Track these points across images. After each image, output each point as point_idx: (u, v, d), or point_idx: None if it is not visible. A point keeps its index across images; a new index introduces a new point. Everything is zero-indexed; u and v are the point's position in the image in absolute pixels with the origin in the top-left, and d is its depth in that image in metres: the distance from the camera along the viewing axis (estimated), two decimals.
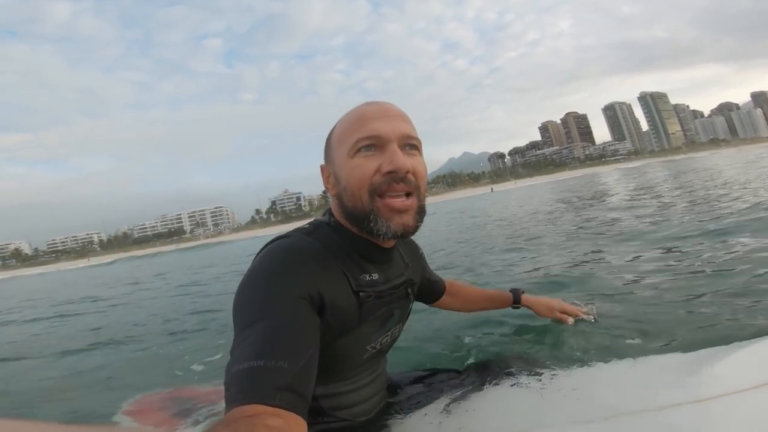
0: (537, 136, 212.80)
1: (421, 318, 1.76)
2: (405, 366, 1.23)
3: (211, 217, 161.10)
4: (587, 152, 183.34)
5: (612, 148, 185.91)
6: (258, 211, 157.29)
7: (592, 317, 1.30)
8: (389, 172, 0.68)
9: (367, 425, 0.84)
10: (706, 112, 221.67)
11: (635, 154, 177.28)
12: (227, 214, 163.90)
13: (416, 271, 0.94)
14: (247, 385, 0.51)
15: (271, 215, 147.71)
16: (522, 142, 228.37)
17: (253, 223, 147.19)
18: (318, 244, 0.72)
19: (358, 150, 0.70)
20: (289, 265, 0.65)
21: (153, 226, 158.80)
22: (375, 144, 0.70)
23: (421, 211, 0.73)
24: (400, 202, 0.69)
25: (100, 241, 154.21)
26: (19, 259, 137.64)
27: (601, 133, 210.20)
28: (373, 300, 0.75)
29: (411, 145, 0.72)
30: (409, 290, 0.87)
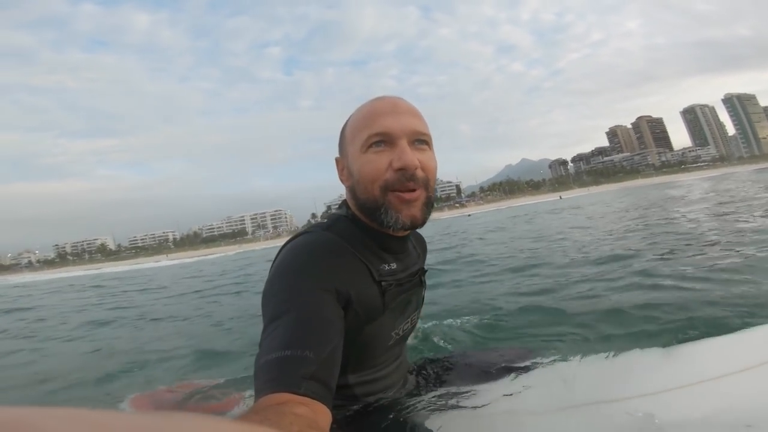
0: (603, 142, 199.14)
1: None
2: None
3: (271, 219, 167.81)
4: (663, 159, 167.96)
5: (693, 154, 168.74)
6: (314, 215, 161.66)
7: None
8: (399, 169, 0.71)
9: (394, 404, 0.87)
10: None
11: (720, 160, 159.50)
12: (286, 217, 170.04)
13: (424, 259, 0.98)
14: (274, 375, 0.53)
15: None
16: (586, 148, 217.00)
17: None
18: (337, 237, 0.74)
19: (370, 146, 0.73)
20: (313, 260, 0.68)
21: (219, 227, 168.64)
22: (386, 139, 0.72)
23: (429, 204, 0.76)
24: (408, 194, 0.72)
25: (174, 239, 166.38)
26: (104, 253, 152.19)
27: (680, 138, 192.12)
28: (394, 288, 0.78)
29: (421, 140, 0.74)
30: (422, 278, 0.91)
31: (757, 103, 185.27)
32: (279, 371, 0.53)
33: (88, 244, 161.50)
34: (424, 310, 0.97)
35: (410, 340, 1.21)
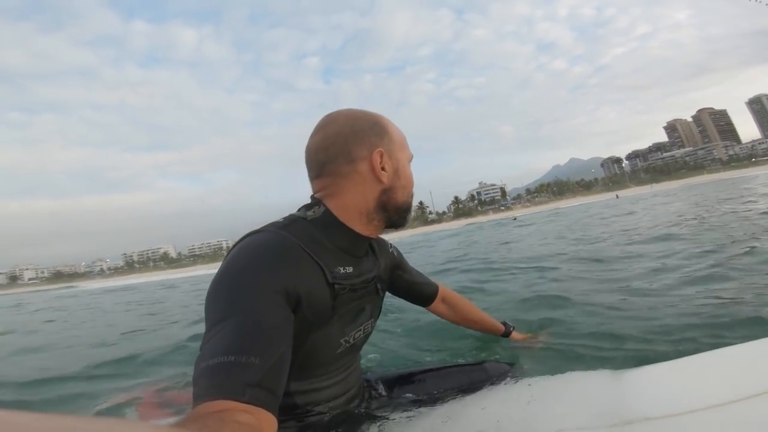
0: (661, 137, 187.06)
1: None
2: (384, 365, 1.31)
3: None
4: (731, 152, 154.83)
5: (764, 146, 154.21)
6: None
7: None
8: None
9: (340, 417, 0.84)
10: None
11: None
12: None
13: (386, 267, 0.96)
14: (216, 381, 0.50)
15: None
16: (642, 145, 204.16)
17: None
18: (292, 237, 0.71)
19: (410, 162, 0.85)
20: (263, 260, 0.65)
21: None
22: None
23: None
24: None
25: (227, 247, 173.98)
26: (166, 261, 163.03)
27: (748, 130, 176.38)
28: (347, 293, 0.77)
29: None
30: (379, 286, 0.89)
31: None
32: (221, 377, 0.50)
33: (152, 252, 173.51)
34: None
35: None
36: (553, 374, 0.98)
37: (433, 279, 1.19)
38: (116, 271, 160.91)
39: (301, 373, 0.76)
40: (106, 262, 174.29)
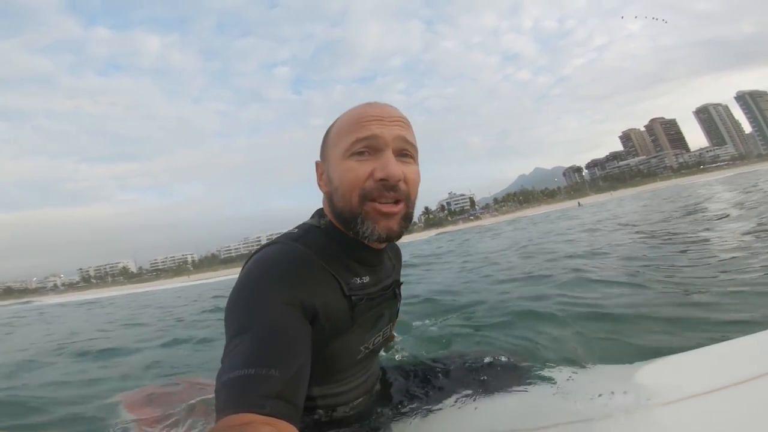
0: (618, 146, 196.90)
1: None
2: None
3: None
4: (681, 160, 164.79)
5: (711, 154, 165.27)
6: None
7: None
8: (381, 180, 0.68)
9: (360, 415, 0.85)
10: None
11: (740, 159, 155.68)
12: None
13: (399, 271, 0.96)
14: (236, 394, 0.51)
15: None
16: (600, 154, 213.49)
17: None
18: (307, 249, 0.71)
19: (354, 153, 0.70)
20: (280, 273, 0.66)
21: (237, 248, 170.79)
22: (371, 146, 0.70)
23: (407, 218, 0.74)
24: (388, 207, 0.70)
25: (193, 261, 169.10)
26: (126, 276, 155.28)
27: (696, 138, 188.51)
28: (365, 302, 0.76)
29: (406, 151, 0.73)
30: (397, 291, 0.88)
31: None
32: (242, 390, 0.51)
33: (110, 267, 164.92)
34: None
35: (382, 353, 1.20)
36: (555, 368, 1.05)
37: None
38: (71, 286, 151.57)
39: (322, 379, 0.76)
40: (60, 277, 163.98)
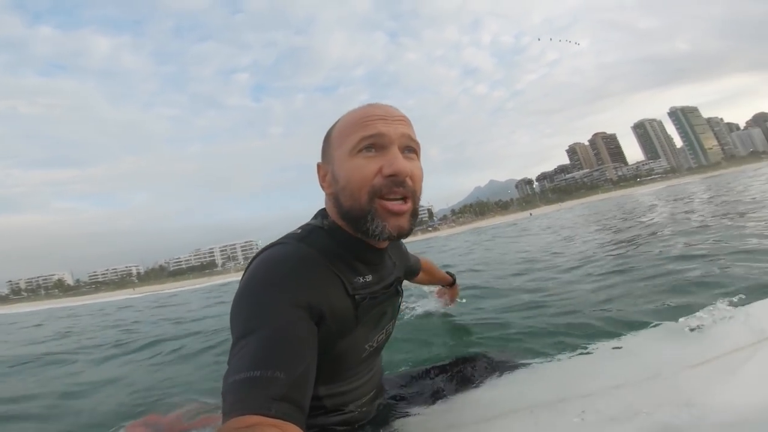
0: (565, 160, 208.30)
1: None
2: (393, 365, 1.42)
3: (242, 251, 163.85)
4: (620, 173, 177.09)
5: (646, 167, 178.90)
6: None
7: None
8: (390, 176, 0.69)
9: (366, 415, 0.88)
10: (742, 124, 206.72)
11: (672, 172, 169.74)
12: (257, 248, 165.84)
13: (401, 267, 0.97)
14: (243, 396, 0.51)
15: None
16: (550, 167, 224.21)
17: None
18: (311, 249, 0.71)
19: (360, 150, 0.71)
20: (285, 274, 0.66)
21: (187, 260, 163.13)
22: (377, 144, 0.71)
23: (414, 215, 0.75)
24: (397, 205, 0.71)
25: (138, 273, 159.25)
26: (61, 289, 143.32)
27: (634, 152, 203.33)
28: (368, 301, 0.76)
29: (410, 148, 0.74)
30: (398, 287, 0.90)
31: (699, 115, 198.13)
32: (248, 392, 0.52)
33: (44, 279, 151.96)
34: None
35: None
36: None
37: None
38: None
39: (329, 378, 0.77)
40: None
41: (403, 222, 0.72)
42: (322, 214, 0.81)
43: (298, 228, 0.79)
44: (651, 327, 1.35)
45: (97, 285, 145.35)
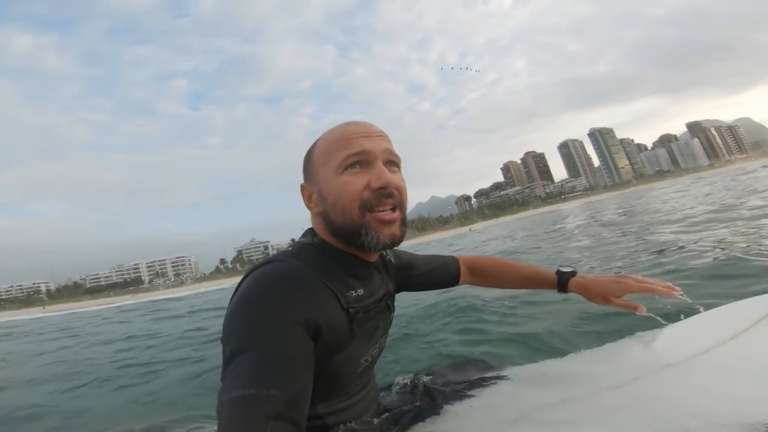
0: (500, 177, 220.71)
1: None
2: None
3: (172, 266, 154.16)
4: (547, 190, 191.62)
5: (570, 185, 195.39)
6: (223, 261, 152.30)
7: (682, 295, 1.00)
8: (378, 188, 0.72)
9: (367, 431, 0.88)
10: (649, 145, 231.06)
11: (591, 189, 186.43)
12: (190, 264, 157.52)
13: (392, 279, 0.97)
14: (237, 414, 0.51)
15: (237, 264, 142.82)
16: (487, 184, 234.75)
17: (217, 273, 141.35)
18: (304, 265, 0.73)
19: (346, 168, 0.73)
20: (280, 290, 0.66)
21: (107, 276, 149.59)
22: (362, 161, 0.73)
23: (404, 222, 0.78)
24: (388, 215, 0.73)
25: (48, 290, 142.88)
26: None
27: (559, 170, 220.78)
28: (362, 314, 0.78)
29: (393, 162, 0.77)
30: (389, 302, 0.90)
31: (614, 136, 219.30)
32: (243, 410, 0.51)
33: None
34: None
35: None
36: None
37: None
38: None
39: (328, 395, 0.77)
40: None
41: (395, 230, 0.75)
42: (310, 232, 0.82)
43: (289, 246, 0.82)
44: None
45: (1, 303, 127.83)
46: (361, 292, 0.79)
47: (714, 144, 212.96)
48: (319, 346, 0.67)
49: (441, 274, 1.13)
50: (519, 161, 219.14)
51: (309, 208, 0.81)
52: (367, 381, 0.90)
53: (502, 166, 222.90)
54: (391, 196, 0.73)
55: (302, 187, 0.82)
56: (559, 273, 1.09)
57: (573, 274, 1.08)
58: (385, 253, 0.98)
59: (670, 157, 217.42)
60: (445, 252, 1.35)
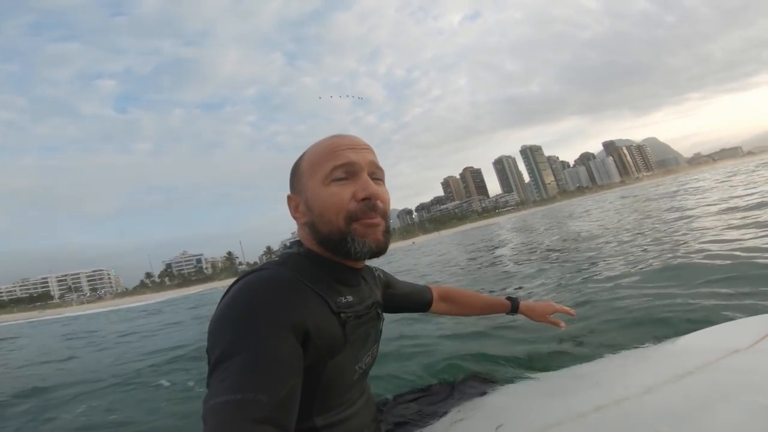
0: (440, 191, 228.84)
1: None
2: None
3: (88, 281, 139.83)
4: (483, 205, 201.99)
5: (503, 199, 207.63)
6: (149, 275, 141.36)
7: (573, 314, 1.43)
8: (364, 199, 0.74)
9: None
10: (572, 162, 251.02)
11: (522, 204, 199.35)
12: (109, 278, 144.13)
13: (379, 291, 1.00)
14: (223, 419, 0.51)
15: (166, 279, 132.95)
16: (428, 198, 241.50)
17: (143, 288, 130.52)
18: (292, 272, 0.74)
19: (333, 179, 0.75)
20: (268, 296, 0.66)
21: (10, 291, 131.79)
22: (348, 172, 0.76)
23: (388, 231, 0.80)
24: (372, 220, 0.76)
25: None
26: None
27: (494, 186, 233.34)
28: (354, 320, 0.79)
29: (377, 175, 0.80)
30: (378, 310, 0.92)
31: (542, 154, 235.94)
32: (229, 415, 0.51)
33: None
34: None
35: None
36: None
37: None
38: None
39: (324, 405, 0.76)
40: None
41: (379, 235, 0.77)
42: (296, 244, 0.84)
43: (276, 256, 0.83)
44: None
45: None
46: (350, 298, 0.80)
47: (626, 162, 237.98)
48: (309, 351, 0.67)
49: (416, 299, 1.20)
50: (458, 176, 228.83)
51: (296, 218, 0.82)
52: (363, 391, 0.89)
53: (442, 181, 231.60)
54: (375, 208, 0.75)
55: (289, 197, 0.84)
56: (510, 299, 1.35)
57: (518, 299, 1.36)
58: (374, 268, 1.04)
59: (589, 174, 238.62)
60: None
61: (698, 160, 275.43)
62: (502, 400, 1.10)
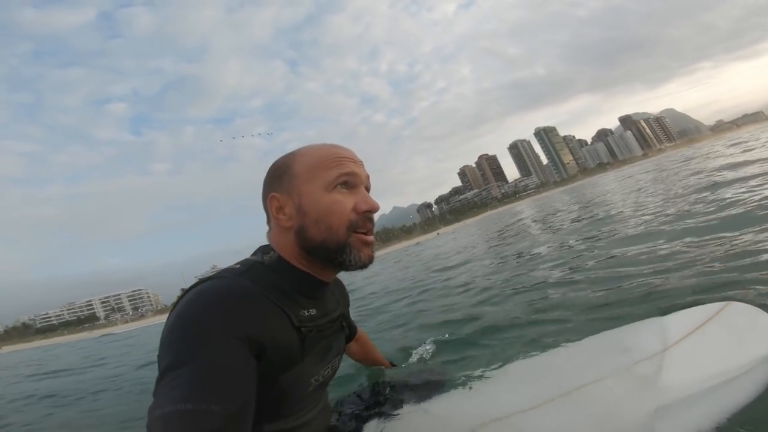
0: (458, 182, 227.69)
1: None
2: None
3: (129, 301, 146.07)
4: (503, 191, 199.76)
5: (522, 183, 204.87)
6: (184, 290, 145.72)
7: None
8: (365, 212, 0.75)
9: None
10: (589, 140, 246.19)
11: (542, 186, 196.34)
12: (148, 297, 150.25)
13: (344, 305, 0.99)
14: (173, 430, 0.48)
15: None
16: (445, 190, 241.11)
17: None
18: (252, 284, 0.71)
19: (335, 186, 0.74)
20: (222, 305, 0.63)
21: (59, 315, 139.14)
22: (349, 182, 0.76)
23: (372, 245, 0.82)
24: (369, 238, 0.77)
25: None
26: None
27: (512, 170, 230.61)
28: (315, 334, 0.77)
29: (369, 189, 0.81)
30: (344, 323, 0.92)
31: (558, 134, 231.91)
32: (180, 426, 0.48)
33: None
34: None
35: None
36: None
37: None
38: None
39: (274, 414, 0.75)
40: None
41: (371, 253, 0.78)
42: (262, 250, 0.81)
43: (236, 264, 0.78)
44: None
45: None
46: (313, 311, 0.78)
47: (645, 135, 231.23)
48: (263, 365, 0.65)
49: (351, 326, 1.18)
50: (474, 165, 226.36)
51: (277, 219, 0.78)
52: (319, 401, 0.88)
53: (458, 171, 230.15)
54: (371, 220, 0.77)
55: (272, 197, 0.78)
56: (391, 363, 1.43)
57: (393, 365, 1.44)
58: (342, 283, 1.04)
59: (608, 150, 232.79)
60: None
61: (721, 127, 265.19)
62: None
